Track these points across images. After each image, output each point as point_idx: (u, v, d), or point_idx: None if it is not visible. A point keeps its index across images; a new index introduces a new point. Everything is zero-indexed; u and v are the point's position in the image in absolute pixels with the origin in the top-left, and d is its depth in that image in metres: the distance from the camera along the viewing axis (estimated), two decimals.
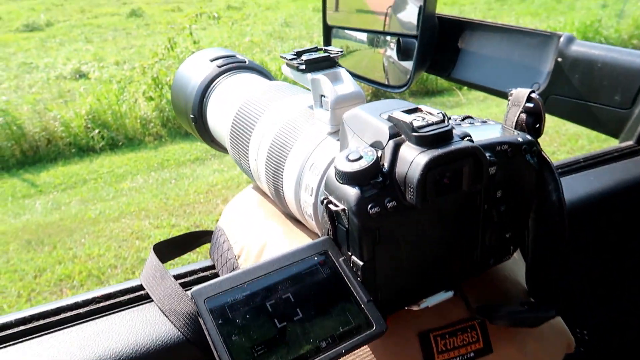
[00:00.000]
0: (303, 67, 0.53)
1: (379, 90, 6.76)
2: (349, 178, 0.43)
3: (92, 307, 0.63)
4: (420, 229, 0.46)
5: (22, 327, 0.61)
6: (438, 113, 0.45)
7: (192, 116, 0.67)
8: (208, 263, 0.69)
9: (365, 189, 0.42)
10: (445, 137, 0.43)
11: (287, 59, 0.55)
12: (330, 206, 0.44)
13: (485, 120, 0.55)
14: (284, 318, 0.42)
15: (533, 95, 0.54)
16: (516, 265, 0.64)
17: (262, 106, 0.59)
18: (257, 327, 0.41)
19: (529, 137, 0.52)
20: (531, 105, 0.54)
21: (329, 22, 0.98)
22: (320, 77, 0.52)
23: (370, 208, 0.42)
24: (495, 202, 0.49)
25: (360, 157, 0.43)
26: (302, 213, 0.54)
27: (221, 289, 0.43)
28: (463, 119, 0.55)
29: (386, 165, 0.43)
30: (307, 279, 0.45)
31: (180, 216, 3.73)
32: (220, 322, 0.41)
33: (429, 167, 0.41)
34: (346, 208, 0.43)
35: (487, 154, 0.45)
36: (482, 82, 0.88)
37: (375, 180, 0.42)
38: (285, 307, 0.43)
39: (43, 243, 3.44)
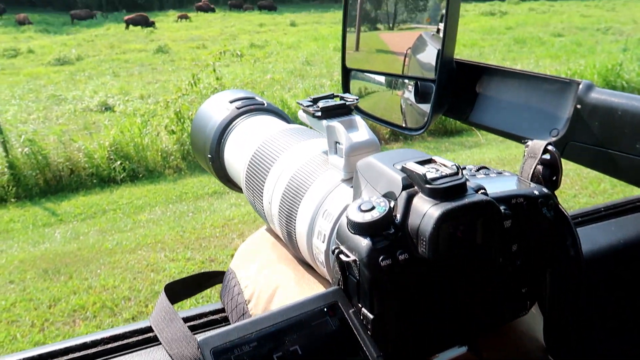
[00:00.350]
0: (319, 114, 0.53)
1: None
2: (360, 229, 0.42)
3: (100, 347, 0.62)
4: (433, 282, 0.45)
5: None
6: (452, 165, 0.44)
7: (209, 155, 0.68)
8: (218, 306, 0.68)
9: (377, 240, 0.42)
10: (459, 190, 0.42)
11: (303, 106, 0.55)
12: (342, 256, 0.44)
13: (500, 171, 0.54)
14: None
15: (549, 147, 0.53)
16: (534, 321, 0.61)
17: (277, 149, 0.59)
18: None
19: (545, 190, 0.50)
20: (548, 157, 0.53)
21: (348, 64, 0.99)
22: (336, 124, 0.52)
23: (382, 260, 0.41)
24: (511, 256, 0.48)
25: (373, 208, 0.43)
26: (314, 259, 0.54)
27: (228, 339, 0.42)
28: (478, 169, 0.54)
29: (399, 216, 0.43)
30: (315, 331, 0.43)
31: (196, 249, 3.73)
32: None
33: (442, 220, 0.40)
34: (357, 259, 0.42)
35: (502, 207, 0.45)
36: (500, 126, 0.88)
37: (387, 231, 0.42)
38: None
39: (60, 272, 3.47)
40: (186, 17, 26.04)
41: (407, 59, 1.03)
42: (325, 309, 0.45)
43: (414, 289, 0.44)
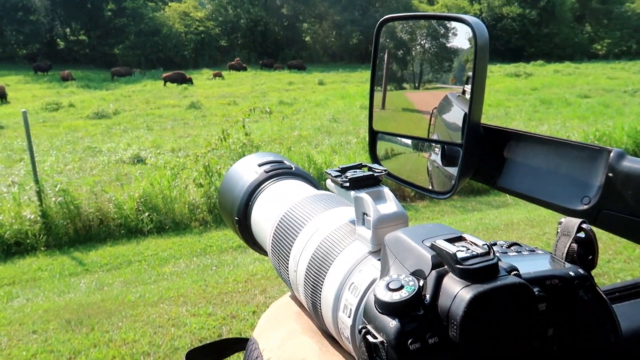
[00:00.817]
0: (347, 184, 0.53)
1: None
2: (389, 309, 0.41)
3: None
4: None
5: None
6: (483, 244, 0.43)
7: (236, 218, 0.69)
8: None
9: (406, 321, 0.40)
10: (491, 271, 0.41)
11: (331, 176, 0.55)
12: (369, 337, 0.42)
13: (533, 248, 0.53)
14: None
15: (584, 225, 0.52)
16: None
17: (304, 216, 0.59)
18: None
19: (581, 271, 0.48)
20: (582, 235, 0.52)
21: (375, 127, 1.01)
22: (364, 195, 0.51)
23: (411, 343, 0.39)
24: (547, 341, 0.45)
25: (402, 287, 0.41)
26: (339, 333, 0.51)
27: None
28: (510, 246, 0.52)
29: (428, 297, 0.41)
30: None
31: (218, 305, 3.69)
32: None
33: (474, 303, 0.39)
34: (385, 341, 0.40)
35: (536, 289, 0.43)
36: (529, 192, 0.86)
37: (416, 312, 0.40)
38: None
39: (82, 324, 3.46)
40: (220, 75, 27.22)
41: (433, 118, 1.04)
42: None
43: None
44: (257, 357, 0.59)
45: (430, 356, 0.39)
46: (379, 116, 1.06)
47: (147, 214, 6.09)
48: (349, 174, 0.54)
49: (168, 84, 23.57)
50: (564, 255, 0.51)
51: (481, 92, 0.86)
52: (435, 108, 1.07)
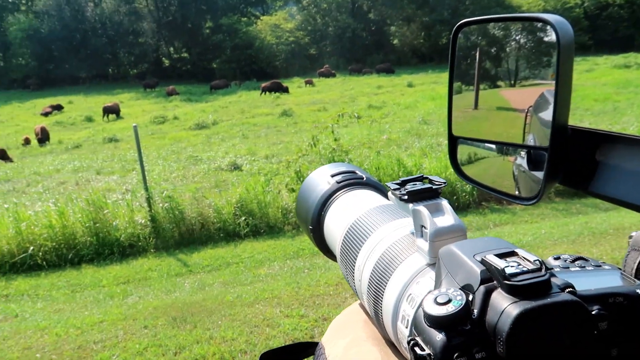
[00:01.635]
0: (405, 197, 0.54)
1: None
2: (435, 322, 0.41)
3: None
4: None
5: None
6: (535, 260, 0.42)
7: (310, 227, 0.73)
8: None
9: (452, 335, 0.40)
10: (541, 288, 0.40)
11: (391, 188, 0.56)
12: (416, 349, 0.43)
13: (600, 263, 0.50)
14: None
15: None
16: None
17: (370, 227, 0.60)
18: None
19: None
20: None
21: (455, 132, 1.00)
22: (421, 208, 0.52)
23: (457, 357, 0.40)
24: None
25: (449, 301, 0.42)
26: (399, 343, 0.52)
27: None
28: (574, 260, 0.50)
29: (476, 312, 0.41)
30: None
31: (310, 307, 3.79)
32: None
33: (521, 319, 0.38)
34: (432, 354, 0.41)
35: (596, 307, 0.42)
36: (626, 198, 0.80)
37: (463, 327, 0.40)
38: None
39: (186, 321, 3.73)
40: (311, 83, 27.90)
41: (528, 117, 1.00)
42: None
43: None
44: None
45: None
46: (460, 125, 1.04)
47: (243, 218, 6.41)
48: (409, 186, 0.54)
49: (264, 93, 24.56)
50: (634, 271, 0.48)
51: (567, 93, 0.81)
52: (531, 106, 1.03)
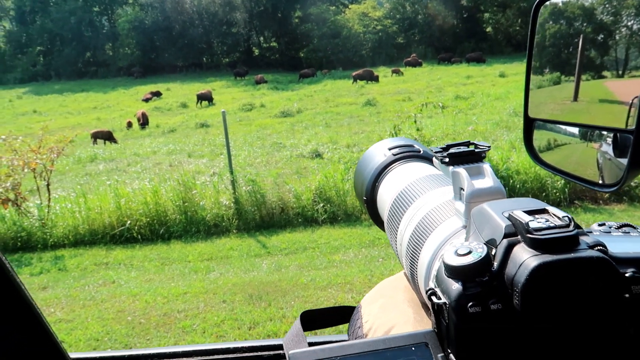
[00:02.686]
0: (446, 160, 0.53)
1: None
2: (453, 272, 0.41)
3: (236, 355, 0.72)
4: (534, 341, 0.40)
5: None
6: (564, 217, 0.41)
7: (364, 198, 0.72)
8: (345, 337, 0.71)
9: (469, 286, 0.40)
10: (567, 243, 0.39)
11: (434, 151, 0.56)
12: (434, 298, 0.43)
13: None
14: None
15: None
16: None
17: (415, 194, 0.60)
18: None
19: None
20: None
21: (531, 114, 0.94)
22: (460, 170, 0.52)
23: (471, 307, 0.39)
24: None
25: (469, 253, 0.42)
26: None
27: (315, 357, 0.45)
28: (620, 227, 0.47)
29: (496, 264, 0.41)
30: None
31: None
32: None
33: (539, 272, 0.37)
34: (447, 302, 0.41)
35: (631, 270, 0.39)
36: None
37: (481, 278, 0.40)
38: None
39: (261, 299, 3.88)
40: (398, 72, 27.50)
41: (632, 109, 0.93)
42: (413, 348, 0.45)
43: (508, 344, 0.40)
44: (357, 319, 0.62)
45: (490, 321, 0.38)
46: (536, 109, 0.98)
47: (321, 204, 6.51)
48: (453, 150, 0.53)
49: (342, 82, 24.60)
50: None
51: None
52: (637, 97, 0.95)
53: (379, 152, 0.73)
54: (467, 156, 0.53)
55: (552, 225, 0.39)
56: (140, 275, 5.01)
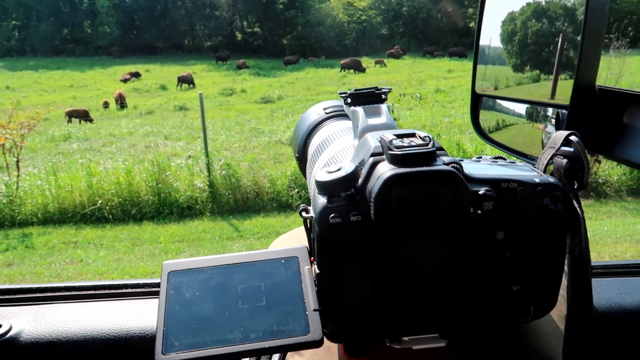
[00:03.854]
0: (348, 100, 0.56)
1: None
2: (321, 187, 0.44)
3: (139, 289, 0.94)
4: (399, 255, 0.43)
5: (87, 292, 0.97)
6: (425, 136, 0.44)
7: (297, 155, 0.74)
8: None
9: (334, 200, 0.43)
10: (422, 158, 0.41)
11: (340, 94, 0.59)
12: (304, 213, 0.46)
13: (515, 162, 0.49)
14: (227, 304, 0.45)
15: (572, 138, 0.46)
16: (555, 341, 0.52)
17: (329, 143, 0.63)
18: (200, 306, 0.45)
19: (551, 179, 0.45)
20: (570, 149, 0.47)
21: (478, 90, 0.96)
22: (358, 109, 0.54)
23: (332, 218, 0.42)
24: (497, 246, 0.43)
25: (339, 170, 0.44)
26: None
27: (186, 267, 0.47)
28: (494, 159, 0.50)
29: (361, 180, 0.44)
30: (265, 277, 0.47)
31: None
32: (172, 292, 0.46)
33: (391, 183, 0.40)
34: (313, 216, 0.44)
35: (484, 188, 0.42)
36: None
37: (346, 192, 0.43)
38: (232, 295, 0.45)
39: None
40: (381, 63, 27.56)
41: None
42: (283, 260, 0.48)
43: (368, 254, 0.43)
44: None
45: (349, 232, 0.41)
46: (483, 86, 1.00)
47: (296, 190, 6.52)
48: (353, 91, 0.56)
49: (325, 71, 24.59)
50: (544, 166, 0.47)
51: (596, 49, 0.76)
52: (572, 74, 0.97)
53: (314, 112, 0.74)
54: (367, 97, 0.55)
55: (412, 144, 0.42)
56: (109, 255, 4.96)
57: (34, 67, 30.86)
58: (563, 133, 0.48)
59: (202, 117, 6.93)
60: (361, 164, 0.45)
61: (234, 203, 6.54)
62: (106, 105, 16.90)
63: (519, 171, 0.47)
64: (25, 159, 7.88)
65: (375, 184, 0.41)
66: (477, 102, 0.97)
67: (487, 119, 1.04)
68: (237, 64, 29.52)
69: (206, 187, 6.61)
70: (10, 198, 6.26)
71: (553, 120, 0.94)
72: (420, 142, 0.43)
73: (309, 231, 0.46)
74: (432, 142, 0.43)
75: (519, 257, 0.44)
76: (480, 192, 0.42)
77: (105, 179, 6.55)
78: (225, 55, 34.61)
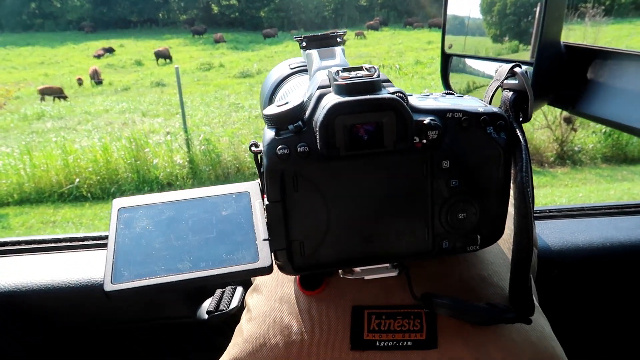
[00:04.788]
0: (304, 44, 0.56)
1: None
2: (269, 121, 0.44)
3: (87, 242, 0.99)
4: (346, 186, 0.44)
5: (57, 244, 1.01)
6: (371, 67, 0.44)
7: (262, 112, 0.74)
8: None
9: (282, 133, 0.44)
10: (366, 87, 0.42)
11: (295, 37, 0.59)
12: (253, 147, 0.48)
13: (463, 95, 0.51)
14: (177, 236, 0.46)
15: (517, 69, 0.48)
16: (503, 269, 0.55)
17: (288, 92, 0.64)
18: (150, 239, 0.46)
19: (494, 109, 0.46)
20: (515, 82, 0.48)
21: (447, 50, 0.97)
22: (312, 52, 0.55)
23: (279, 149, 0.43)
24: (443, 174, 0.45)
25: (286, 103, 0.45)
26: None
27: (138, 203, 0.48)
28: (444, 94, 0.52)
29: (308, 111, 0.44)
30: (216, 210, 0.48)
31: None
32: (122, 226, 0.47)
33: (335, 111, 0.40)
34: (262, 149, 0.45)
35: (429, 118, 0.43)
36: (613, 117, 0.77)
37: (294, 124, 0.43)
38: (182, 228, 0.46)
39: None
40: (361, 35, 27.26)
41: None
42: (234, 195, 0.49)
43: (322, 188, 0.44)
44: None
45: (296, 163, 0.42)
46: (453, 45, 1.00)
47: None
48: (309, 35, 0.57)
49: None
50: (489, 98, 0.49)
51: (560, 5, 0.77)
52: (535, 29, 0.98)
53: (279, 69, 0.74)
54: (322, 40, 0.55)
55: (357, 75, 0.42)
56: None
57: (1, 43, 29.76)
58: (508, 65, 0.49)
59: (180, 93, 6.82)
60: (309, 98, 0.45)
61: (215, 178, 6.50)
62: (80, 82, 16.45)
63: (465, 102, 0.48)
64: None
65: (321, 114, 0.41)
66: (447, 62, 0.98)
67: (457, 81, 1.05)
68: (215, 38, 28.88)
69: (186, 164, 6.55)
70: None
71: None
72: (366, 73, 0.43)
73: (259, 166, 0.47)
74: (377, 72, 0.43)
75: (464, 186, 0.46)
76: (425, 122, 0.43)
77: (82, 157, 6.43)
78: (201, 29, 33.80)
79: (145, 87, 15.59)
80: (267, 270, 0.44)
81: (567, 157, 6.56)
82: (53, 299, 0.89)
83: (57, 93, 13.81)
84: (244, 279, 0.52)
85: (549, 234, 0.93)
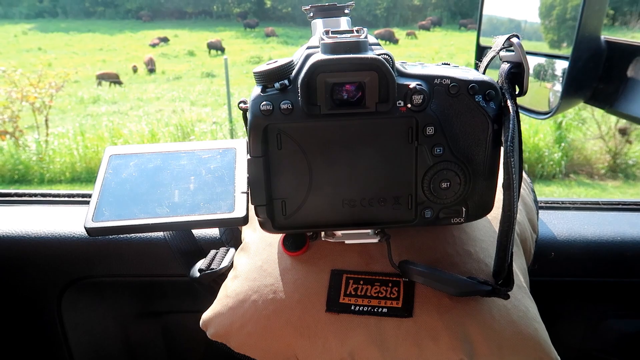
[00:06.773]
0: (311, 14, 0.57)
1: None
2: (257, 78, 0.45)
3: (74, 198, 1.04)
4: (329, 147, 0.44)
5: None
6: (359, 29, 0.44)
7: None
8: None
9: (268, 89, 0.44)
10: (352, 47, 0.41)
11: (303, 8, 0.60)
12: (241, 104, 0.49)
13: (458, 66, 0.49)
14: (160, 184, 0.48)
15: (513, 40, 0.46)
16: (492, 248, 0.53)
17: None
18: (135, 184, 0.48)
19: (485, 78, 0.45)
20: (512, 53, 0.46)
21: (482, 42, 0.94)
22: (318, 21, 0.55)
23: (263, 105, 0.43)
24: (427, 141, 0.44)
25: (275, 62, 0.45)
26: None
27: (128, 151, 0.50)
28: (440, 64, 0.51)
29: (295, 70, 0.45)
30: (202, 163, 0.49)
31: None
32: (110, 171, 0.49)
33: (318, 69, 0.41)
34: (248, 106, 0.45)
35: (416, 82, 0.42)
36: None
37: (279, 82, 0.44)
38: (166, 177, 0.48)
39: None
40: (413, 35, 26.97)
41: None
42: (221, 150, 0.51)
43: (305, 147, 0.44)
44: None
45: (278, 118, 0.42)
46: (488, 38, 0.98)
47: None
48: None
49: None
50: (484, 68, 0.47)
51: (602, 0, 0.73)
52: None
53: (299, 52, 0.75)
54: (328, 10, 0.55)
55: (347, 36, 0.42)
56: None
57: (65, 29, 31.26)
58: (506, 36, 0.48)
59: (227, 83, 6.96)
60: (299, 58, 0.46)
61: None
62: (135, 69, 17.06)
63: (457, 70, 0.47)
64: (55, 119, 8.08)
65: (303, 71, 0.42)
66: (481, 54, 0.95)
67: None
68: (266, 32, 29.25)
69: None
70: (40, 156, 6.46)
71: (561, 79, 0.91)
72: (355, 34, 0.43)
73: (246, 122, 0.48)
74: (365, 34, 0.43)
75: (449, 154, 0.45)
76: (410, 86, 0.42)
77: (131, 141, 6.68)
78: (253, 23, 34.31)
79: (196, 77, 15.99)
80: (241, 221, 0.45)
81: (619, 170, 6.26)
82: (46, 248, 0.91)
83: (113, 79, 14.39)
84: (223, 228, 0.57)
85: (556, 223, 0.90)
